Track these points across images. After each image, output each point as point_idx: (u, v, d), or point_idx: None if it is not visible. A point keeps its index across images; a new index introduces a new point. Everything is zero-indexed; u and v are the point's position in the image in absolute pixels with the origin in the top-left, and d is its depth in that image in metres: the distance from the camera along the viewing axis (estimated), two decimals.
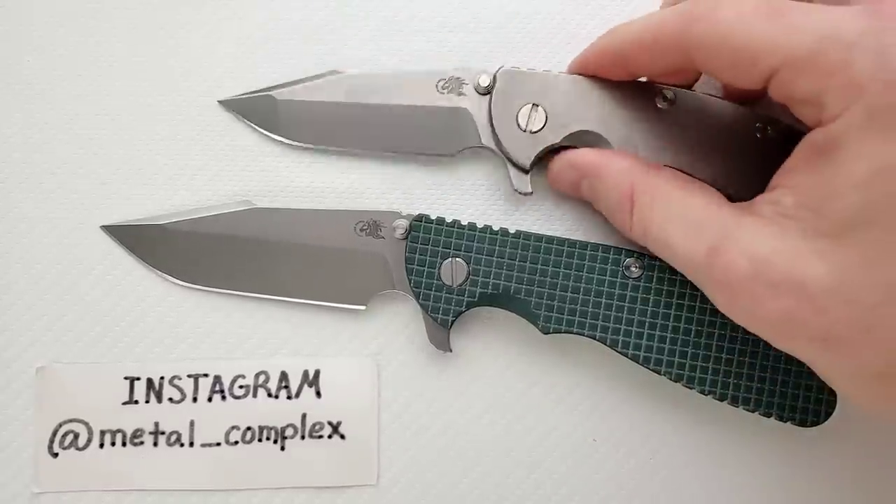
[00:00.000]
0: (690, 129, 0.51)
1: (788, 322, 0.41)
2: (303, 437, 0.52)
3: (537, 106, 0.52)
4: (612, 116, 0.51)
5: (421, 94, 0.54)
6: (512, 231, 0.51)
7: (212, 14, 0.57)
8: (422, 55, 0.56)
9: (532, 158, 0.52)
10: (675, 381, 0.49)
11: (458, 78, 0.54)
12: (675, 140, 0.51)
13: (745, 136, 0.51)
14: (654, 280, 0.50)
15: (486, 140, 0.54)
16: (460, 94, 0.54)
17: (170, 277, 0.54)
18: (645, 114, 0.51)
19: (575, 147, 0.52)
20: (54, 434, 0.52)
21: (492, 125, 0.53)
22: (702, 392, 0.49)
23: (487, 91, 0.53)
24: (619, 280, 0.50)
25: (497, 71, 0.53)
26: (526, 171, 0.53)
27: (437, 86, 0.54)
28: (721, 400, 0.49)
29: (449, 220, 0.51)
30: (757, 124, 0.50)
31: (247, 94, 0.56)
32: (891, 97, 0.38)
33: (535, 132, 0.52)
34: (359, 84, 0.55)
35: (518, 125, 0.52)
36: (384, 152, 0.55)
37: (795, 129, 0.50)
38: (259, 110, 0.55)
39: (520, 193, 0.53)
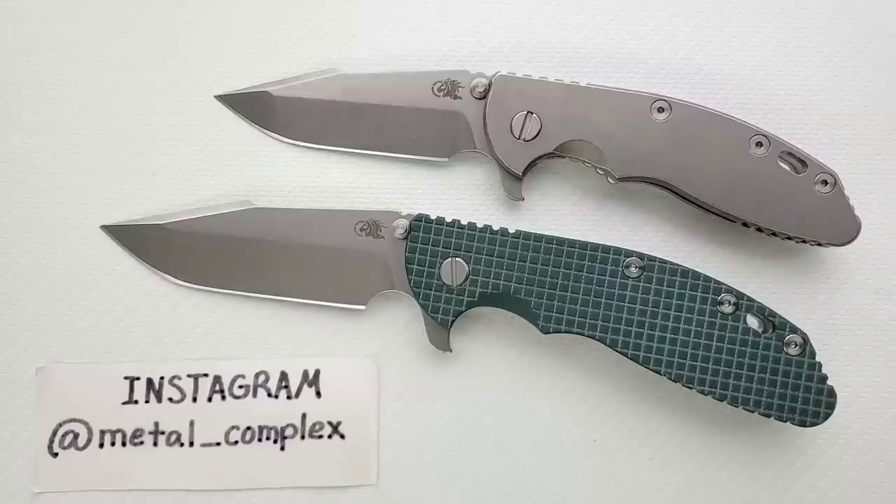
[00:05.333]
0: (684, 142, 0.51)
1: None
2: (303, 437, 0.52)
3: (531, 114, 0.52)
4: (606, 127, 0.51)
5: (416, 95, 0.54)
6: (512, 231, 0.51)
7: (211, 14, 0.57)
8: (420, 56, 0.56)
9: (525, 166, 0.52)
10: (675, 381, 0.49)
11: (455, 81, 0.54)
12: (669, 152, 0.51)
13: (739, 151, 0.51)
14: (654, 280, 0.50)
15: (481, 145, 0.54)
16: (456, 97, 0.54)
17: (170, 277, 0.54)
18: (639, 125, 0.51)
19: (563, 155, 0.52)
20: (54, 434, 0.52)
21: (486, 131, 0.53)
22: (702, 392, 0.49)
23: (483, 96, 0.53)
24: (619, 280, 0.50)
25: (493, 76, 0.53)
26: (519, 178, 0.53)
27: (432, 88, 0.54)
28: (721, 400, 0.49)
29: (449, 219, 0.51)
30: (752, 139, 0.51)
31: (244, 89, 0.56)
32: None
33: (529, 140, 0.52)
34: (355, 83, 0.55)
35: (512, 133, 0.52)
36: (378, 152, 0.55)
37: (796, 149, 0.51)
38: (255, 106, 0.55)
39: (512, 199, 0.53)
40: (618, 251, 0.50)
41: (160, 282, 0.54)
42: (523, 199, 0.54)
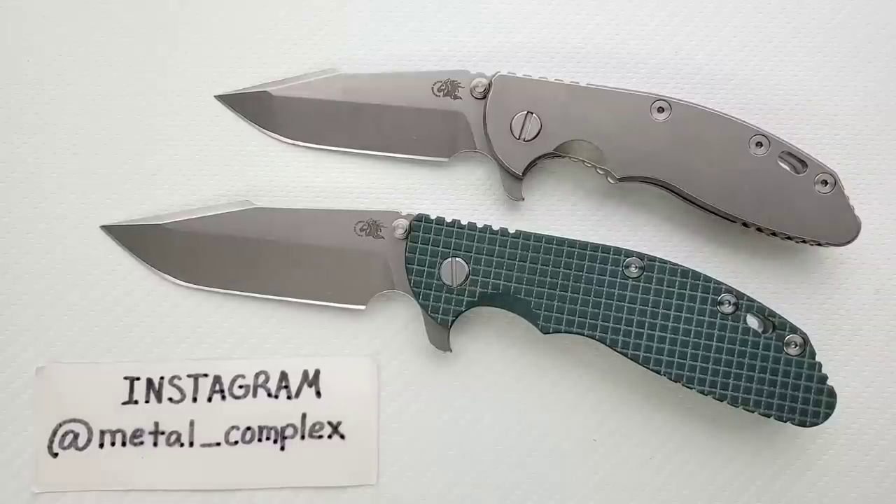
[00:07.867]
0: (684, 142, 0.51)
1: None
2: (303, 437, 0.52)
3: (531, 114, 0.52)
4: (606, 127, 0.51)
5: (416, 96, 0.54)
6: (512, 231, 0.51)
7: (211, 14, 0.57)
8: (420, 56, 0.56)
9: (525, 166, 0.52)
10: (675, 381, 0.49)
11: (455, 81, 0.54)
12: (669, 152, 0.51)
13: (739, 151, 0.51)
14: (654, 280, 0.50)
15: (481, 145, 0.54)
16: (456, 97, 0.54)
17: (170, 277, 0.54)
18: (639, 125, 0.51)
19: (563, 155, 0.52)
20: (54, 434, 0.52)
21: (486, 131, 0.53)
22: (702, 392, 0.49)
23: (483, 96, 0.53)
24: (619, 280, 0.50)
25: (493, 76, 0.53)
26: (519, 178, 0.53)
27: (432, 88, 0.54)
28: (721, 400, 0.49)
29: (449, 220, 0.51)
30: (752, 139, 0.51)
31: (244, 89, 0.56)
32: None
33: (529, 140, 0.52)
34: (355, 83, 0.55)
35: (512, 133, 0.52)
36: (378, 152, 0.55)
37: (796, 149, 0.51)
38: (255, 106, 0.55)
39: (512, 199, 0.53)
40: (618, 251, 0.50)
41: (160, 282, 0.54)
42: (523, 199, 0.54)
